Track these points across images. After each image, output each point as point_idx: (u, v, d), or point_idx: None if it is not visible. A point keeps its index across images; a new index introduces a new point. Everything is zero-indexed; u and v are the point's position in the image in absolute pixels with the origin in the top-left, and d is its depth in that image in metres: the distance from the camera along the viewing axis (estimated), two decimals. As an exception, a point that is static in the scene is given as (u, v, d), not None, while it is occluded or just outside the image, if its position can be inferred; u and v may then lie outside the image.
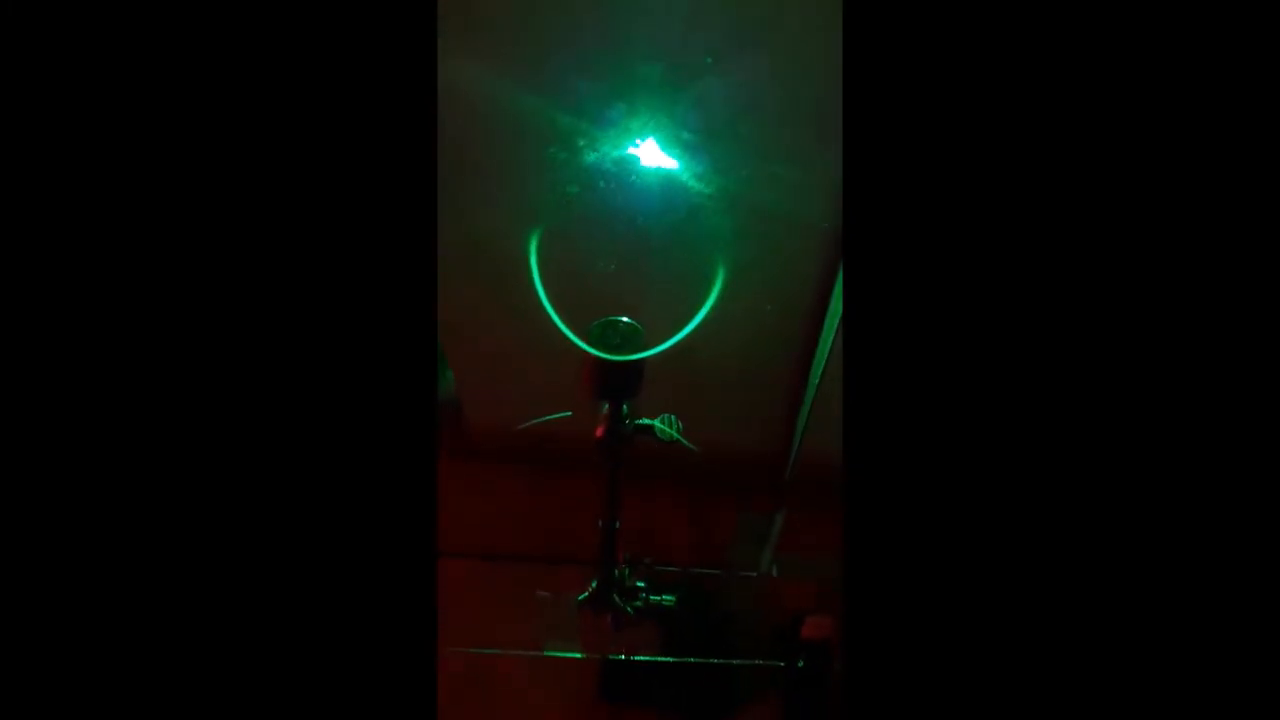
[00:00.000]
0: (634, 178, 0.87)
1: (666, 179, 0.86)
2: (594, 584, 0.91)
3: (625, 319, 0.66)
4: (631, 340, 0.65)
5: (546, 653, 0.92)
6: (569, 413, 0.69)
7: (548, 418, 0.69)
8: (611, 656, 0.93)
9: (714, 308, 0.65)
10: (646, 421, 0.71)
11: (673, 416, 0.72)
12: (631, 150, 0.85)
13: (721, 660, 0.94)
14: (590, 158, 0.85)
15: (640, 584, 0.93)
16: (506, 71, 0.86)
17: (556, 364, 0.65)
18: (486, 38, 0.84)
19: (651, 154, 0.86)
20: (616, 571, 0.90)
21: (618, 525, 0.82)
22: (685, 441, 0.68)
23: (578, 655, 0.93)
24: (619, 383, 0.65)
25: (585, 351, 0.62)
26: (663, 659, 0.94)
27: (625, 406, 0.69)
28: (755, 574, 0.95)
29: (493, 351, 1.04)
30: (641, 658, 0.94)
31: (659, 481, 0.96)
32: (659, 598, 0.95)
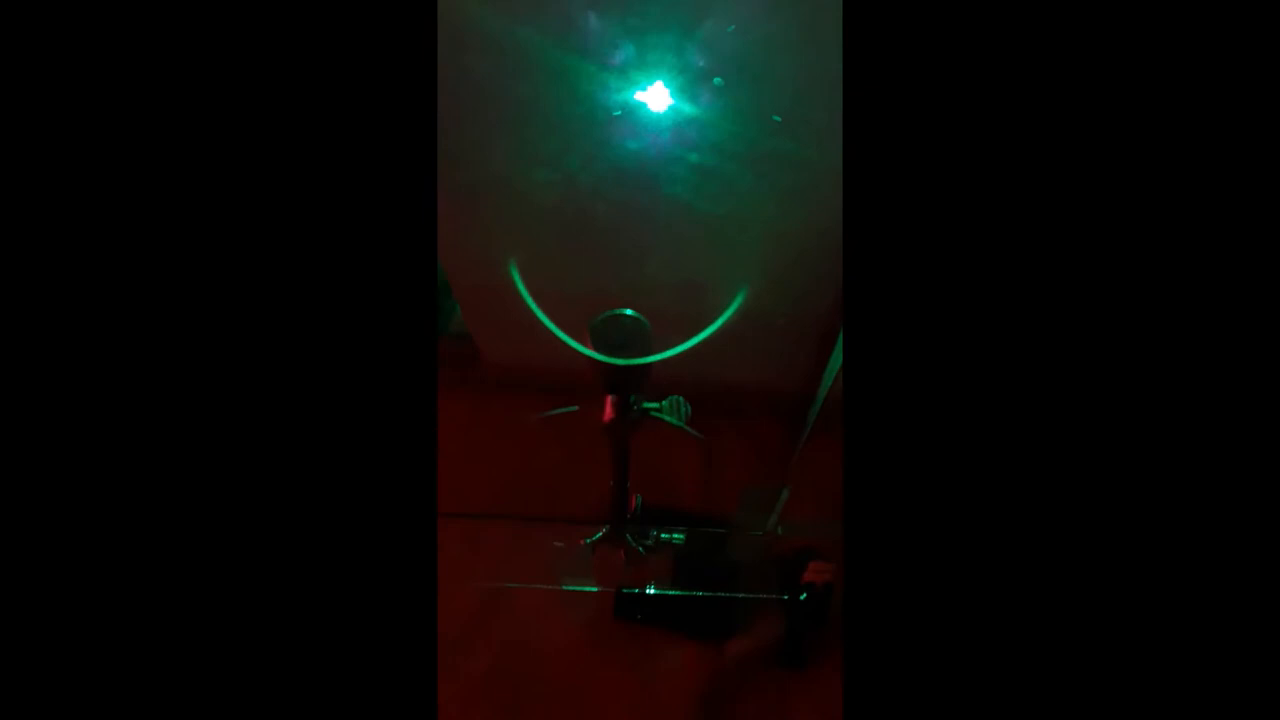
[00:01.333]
0: (643, 121, 0.81)
1: (678, 122, 0.80)
2: (605, 527, 0.95)
3: (629, 312, 0.64)
4: (637, 338, 0.63)
5: (564, 586, 0.98)
6: (575, 407, 0.69)
7: (554, 412, 0.69)
8: (625, 590, 0.99)
9: (735, 314, 0.63)
10: (653, 406, 0.71)
11: (680, 399, 0.72)
12: (639, 95, 0.79)
13: (728, 595, 0.99)
14: (597, 99, 0.79)
15: (652, 527, 0.98)
16: (511, 7, 0.78)
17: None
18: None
19: (659, 97, 0.80)
20: (628, 515, 0.94)
21: (628, 484, 0.85)
22: (691, 430, 0.69)
23: (592, 589, 0.99)
24: (624, 379, 0.65)
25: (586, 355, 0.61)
26: (672, 592, 1.00)
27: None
28: (761, 533, 0.98)
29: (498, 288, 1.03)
30: (653, 590, 1.00)
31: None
32: (669, 535, 0.99)
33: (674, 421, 0.68)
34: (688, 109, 0.80)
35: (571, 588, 0.99)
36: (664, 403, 0.71)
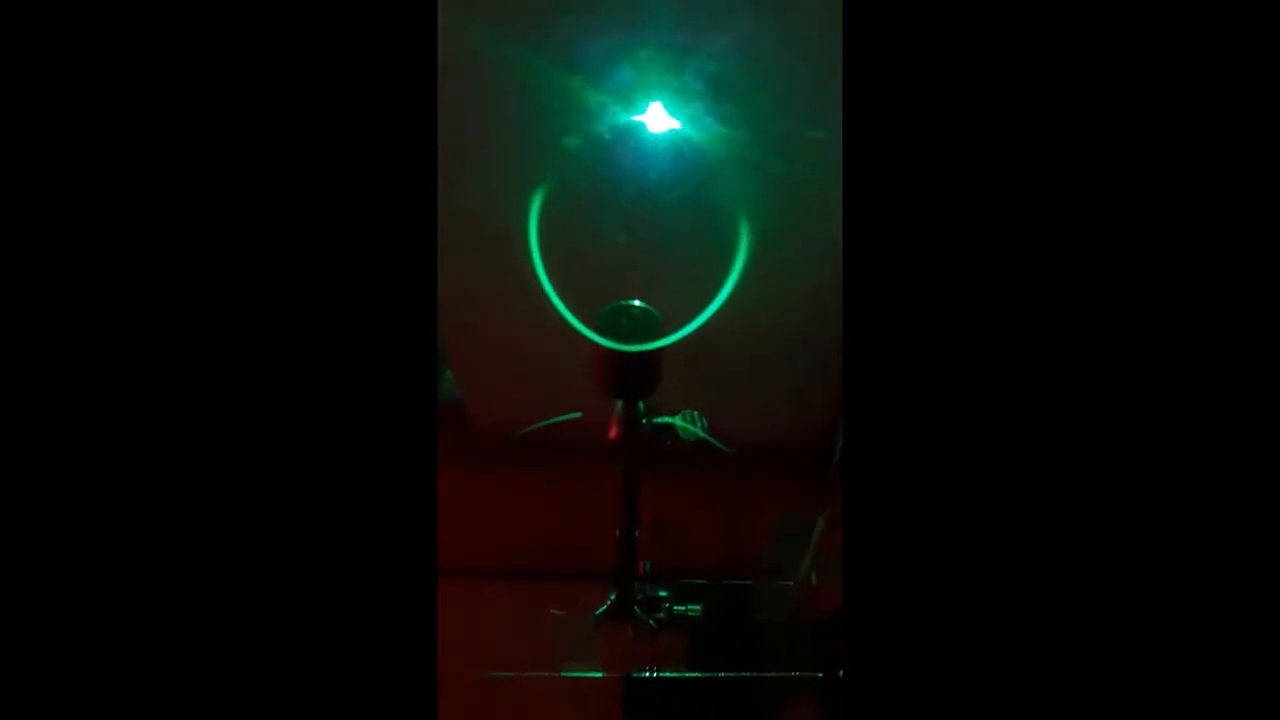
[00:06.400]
0: (642, 143, 0.79)
1: (677, 143, 0.78)
2: (612, 596, 0.83)
3: (638, 302, 0.58)
4: (646, 327, 0.57)
5: (564, 674, 0.85)
6: (578, 413, 0.61)
7: (554, 420, 0.61)
8: (635, 674, 0.86)
9: (737, 286, 0.57)
10: (666, 420, 0.63)
11: (696, 412, 0.64)
12: (638, 117, 0.77)
13: (754, 674, 0.86)
14: (596, 123, 0.77)
15: (663, 593, 0.86)
16: (508, 32, 0.78)
17: (565, 353, 0.57)
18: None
19: (659, 118, 0.78)
20: (637, 582, 0.83)
21: (637, 533, 0.75)
22: (713, 440, 0.60)
23: (597, 675, 0.86)
24: (634, 377, 0.57)
25: (594, 342, 0.54)
26: (689, 674, 0.87)
27: (642, 404, 0.61)
28: (792, 582, 0.87)
29: (495, 340, 0.97)
30: (667, 674, 0.86)
31: (687, 476, 0.87)
32: (684, 608, 0.87)
33: (695, 431, 0.59)
34: (686, 129, 0.78)
35: (574, 674, 0.85)
36: (677, 417, 0.63)
